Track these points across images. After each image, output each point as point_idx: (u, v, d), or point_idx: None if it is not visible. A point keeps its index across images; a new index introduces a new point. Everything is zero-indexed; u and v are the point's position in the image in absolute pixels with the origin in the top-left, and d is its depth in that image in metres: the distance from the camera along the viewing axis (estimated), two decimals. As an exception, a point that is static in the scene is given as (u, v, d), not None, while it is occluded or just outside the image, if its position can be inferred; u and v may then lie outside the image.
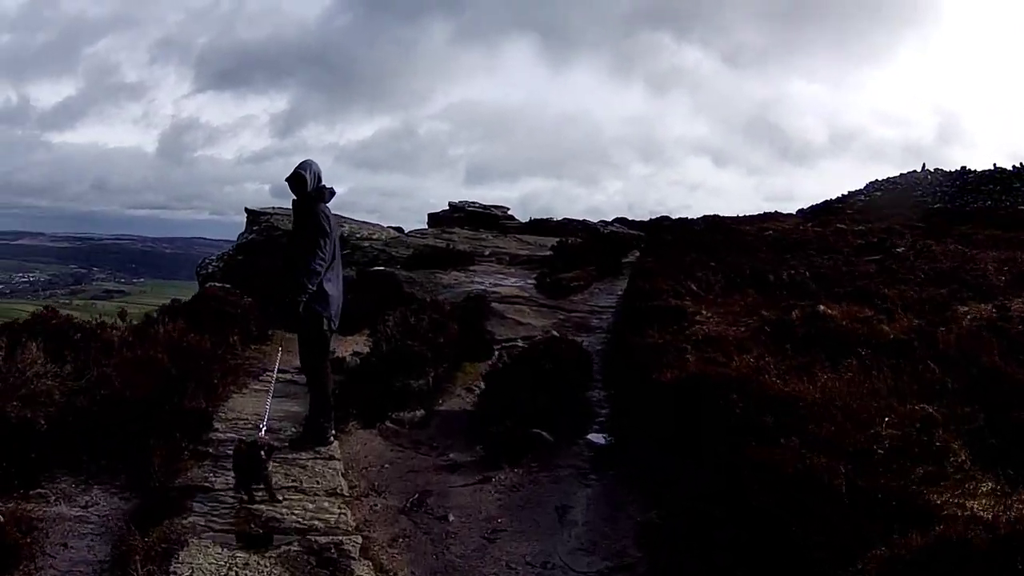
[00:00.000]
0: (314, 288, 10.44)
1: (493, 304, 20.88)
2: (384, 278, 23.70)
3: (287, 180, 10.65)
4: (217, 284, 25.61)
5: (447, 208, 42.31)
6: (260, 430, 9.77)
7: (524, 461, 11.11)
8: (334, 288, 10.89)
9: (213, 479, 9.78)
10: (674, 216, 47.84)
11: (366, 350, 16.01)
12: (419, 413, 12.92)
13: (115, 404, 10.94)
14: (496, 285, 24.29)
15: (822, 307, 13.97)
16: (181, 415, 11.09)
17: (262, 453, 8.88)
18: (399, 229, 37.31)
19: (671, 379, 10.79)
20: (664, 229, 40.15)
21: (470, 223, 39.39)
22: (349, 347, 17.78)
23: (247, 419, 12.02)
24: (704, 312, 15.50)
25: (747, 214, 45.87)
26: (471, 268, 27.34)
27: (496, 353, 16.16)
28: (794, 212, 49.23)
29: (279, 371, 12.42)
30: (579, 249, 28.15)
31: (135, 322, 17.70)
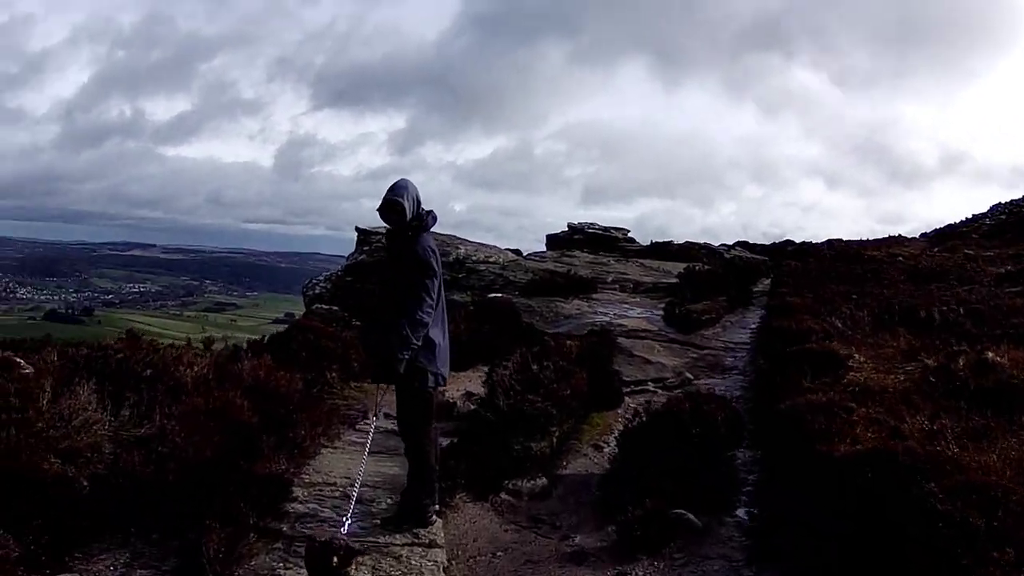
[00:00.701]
0: (419, 343, 8.00)
1: (619, 339, 18.48)
2: (501, 306, 21.18)
3: (379, 210, 8.22)
4: (324, 306, 23.96)
5: (566, 230, 40.24)
6: (343, 525, 7.37)
7: (665, 551, 8.59)
8: (441, 335, 8.39)
9: (282, 572, 7.43)
10: (791, 238, 45.76)
11: (480, 390, 13.88)
12: (540, 482, 10.37)
13: (175, 464, 8.64)
14: (621, 316, 21.85)
15: (990, 354, 11.45)
16: (253, 482, 8.68)
17: (335, 560, 6.52)
18: (517, 251, 35.17)
19: (844, 454, 8.32)
20: (788, 254, 37.91)
21: (589, 246, 37.21)
22: (461, 385, 15.60)
23: (335, 484, 9.66)
24: (856, 356, 13.11)
25: (868, 238, 43.75)
26: (593, 296, 24.93)
27: (625, 400, 13.94)
28: (917, 236, 45.78)
29: (380, 415, 9.91)
30: (707, 277, 25.61)
31: (227, 344, 15.47)
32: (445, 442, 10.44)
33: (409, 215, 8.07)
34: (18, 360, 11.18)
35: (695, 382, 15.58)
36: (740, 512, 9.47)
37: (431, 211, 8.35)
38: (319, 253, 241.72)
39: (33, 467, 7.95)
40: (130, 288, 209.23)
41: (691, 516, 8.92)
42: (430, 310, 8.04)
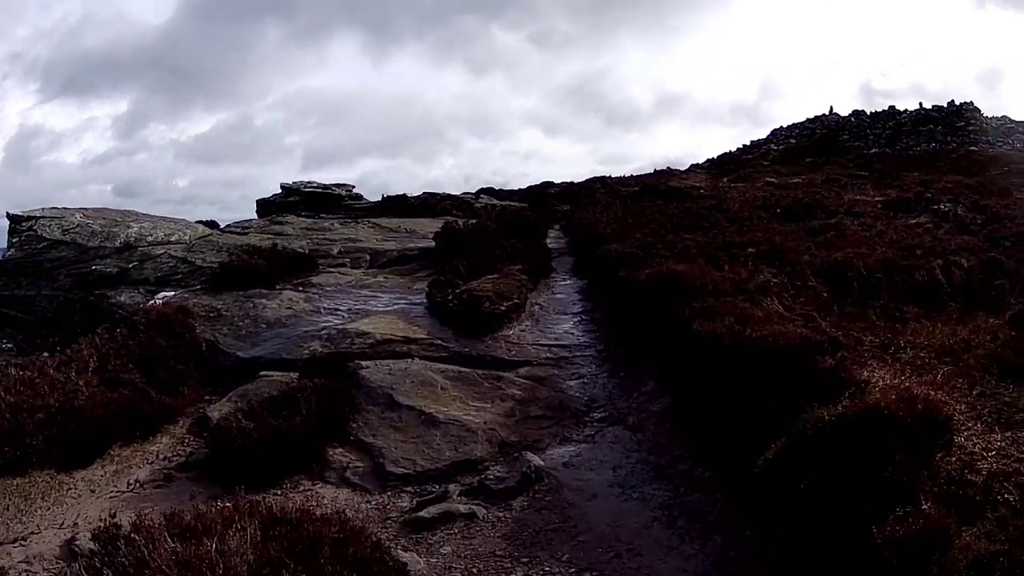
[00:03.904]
0: None
1: (362, 369, 9.71)
2: (159, 321, 11.86)
3: None
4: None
5: (279, 192, 33.18)
6: None
7: None
8: None
9: None
10: (550, 180, 41.06)
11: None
12: None
13: None
14: (360, 313, 12.78)
15: None
16: None
17: None
18: (212, 224, 26.01)
19: None
20: (553, 198, 32.94)
21: (309, 208, 29.95)
22: (60, 515, 7.53)
23: None
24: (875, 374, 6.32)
25: (640, 174, 40.92)
26: (313, 281, 15.52)
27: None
28: (685, 168, 43.77)
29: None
30: (480, 237, 16.76)
31: None
32: None
33: None
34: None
35: (546, 466, 7.18)
36: None
37: None
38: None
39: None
40: None
41: None
42: None
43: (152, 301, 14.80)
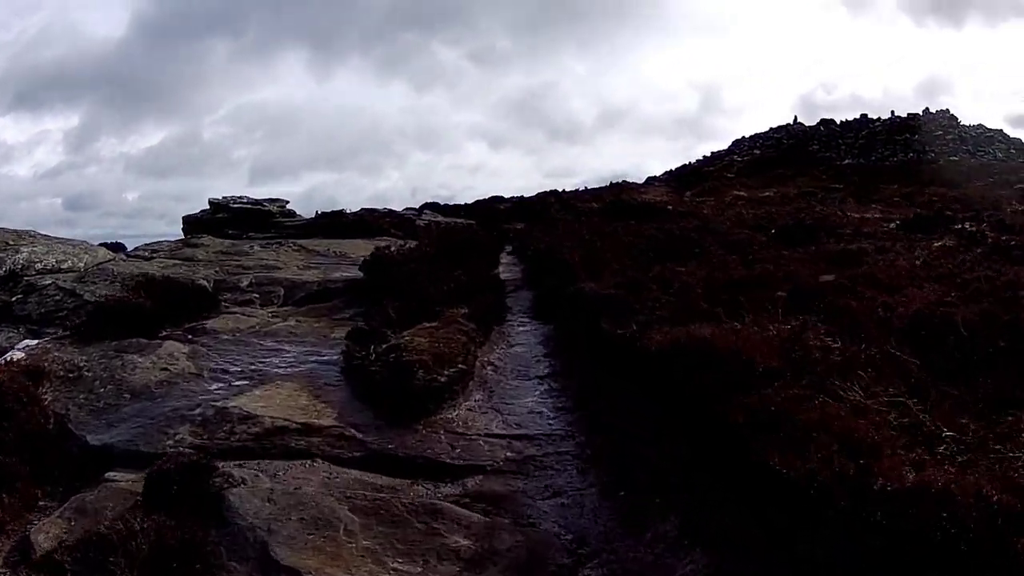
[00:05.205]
0: None
1: (234, 490, 6.36)
2: None
3: None
4: None
5: (207, 208, 29.70)
6: None
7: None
8: None
9: None
10: (499, 194, 39.64)
11: None
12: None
13: None
14: (254, 380, 9.44)
15: None
16: None
17: None
18: (117, 247, 22.87)
19: None
20: (504, 215, 30.75)
21: (237, 225, 26.78)
22: None
23: None
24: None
25: (590, 188, 39.27)
26: (207, 326, 12.04)
27: None
28: (643, 181, 41.58)
29: None
30: (414, 266, 13.55)
31: None
32: None
33: None
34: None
35: None
36: None
37: None
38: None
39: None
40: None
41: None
42: None
43: (6, 355, 11.51)
